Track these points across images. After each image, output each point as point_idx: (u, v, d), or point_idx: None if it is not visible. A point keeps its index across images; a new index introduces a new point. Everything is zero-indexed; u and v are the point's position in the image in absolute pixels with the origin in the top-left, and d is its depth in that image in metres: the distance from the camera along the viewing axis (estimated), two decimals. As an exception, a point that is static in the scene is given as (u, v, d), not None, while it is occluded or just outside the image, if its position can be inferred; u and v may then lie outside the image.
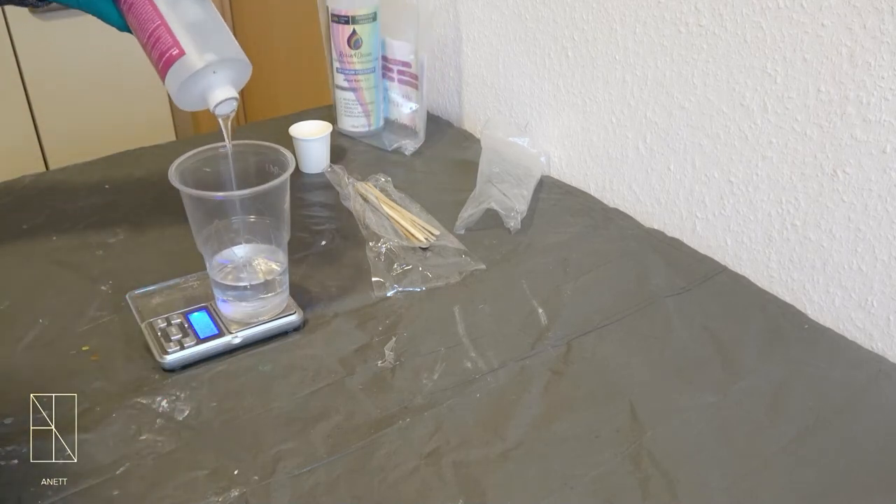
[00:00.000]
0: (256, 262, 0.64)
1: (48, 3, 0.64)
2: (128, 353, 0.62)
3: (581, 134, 0.89)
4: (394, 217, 0.81)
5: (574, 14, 0.84)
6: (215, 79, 0.59)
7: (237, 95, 0.60)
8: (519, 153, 0.92)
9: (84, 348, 0.62)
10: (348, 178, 0.87)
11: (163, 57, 0.59)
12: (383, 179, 0.88)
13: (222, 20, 0.62)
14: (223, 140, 0.61)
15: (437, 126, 1.07)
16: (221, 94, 0.59)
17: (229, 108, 0.60)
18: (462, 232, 0.80)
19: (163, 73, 0.59)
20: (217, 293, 0.63)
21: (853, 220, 0.65)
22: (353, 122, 1.01)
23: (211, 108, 0.60)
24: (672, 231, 0.81)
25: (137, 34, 0.61)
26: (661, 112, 0.78)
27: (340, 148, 0.99)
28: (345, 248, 0.77)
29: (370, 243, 0.76)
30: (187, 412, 0.57)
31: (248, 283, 0.62)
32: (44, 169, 1.55)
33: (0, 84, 1.61)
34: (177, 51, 0.58)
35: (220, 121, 0.61)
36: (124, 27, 0.63)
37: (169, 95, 0.61)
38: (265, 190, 0.58)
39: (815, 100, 0.64)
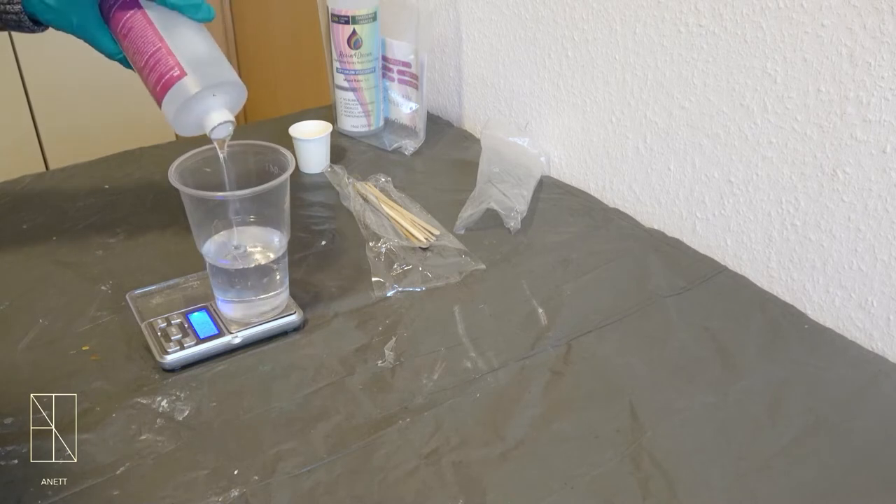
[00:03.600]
0: (255, 256, 0.64)
1: (44, 28, 0.64)
2: (128, 353, 0.62)
3: (581, 134, 0.89)
4: (394, 217, 0.81)
5: (574, 14, 0.84)
6: (214, 101, 0.59)
7: (234, 119, 0.60)
8: (519, 153, 0.92)
9: (84, 348, 0.62)
10: (348, 178, 0.87)
11: (162, 78, 0.58)
12: (383, 179, 0.88)
13: (218, 48, 0.62)
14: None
15: (437, 126, 1.07)
16: (219, 117, 0.59)
17: (226, 132, 0.60)
18: (462, 232, 0.80)
19: (161, 95, 0.59)
20: (217, 293, 0.64)
21: (853, 220, 0.65)
22: (353, 122, 1.01)
23: (208, 130, 0.59)
24: (672, 231, 0.81)
25: (135, 58, 0.61)
26: (661, 112, 0.78)
27: (340, 148, 0.99)
28: (345, 248, 0.77)
29: (370, 243, 0.76)
30: (187, 412, 0.57)
31: (245, 266, 0.62)
32: (44, 169, 1.55)
33: (0, 84, 1.61)
34: (178, 72, 0.58)
35: (216, 144, 0.60)
36: (115, 53, 0.63)
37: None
38: (265, 190, 0.58)
39: (815, 100, 0.65)
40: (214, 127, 0.59)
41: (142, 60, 0.60)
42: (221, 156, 0.60)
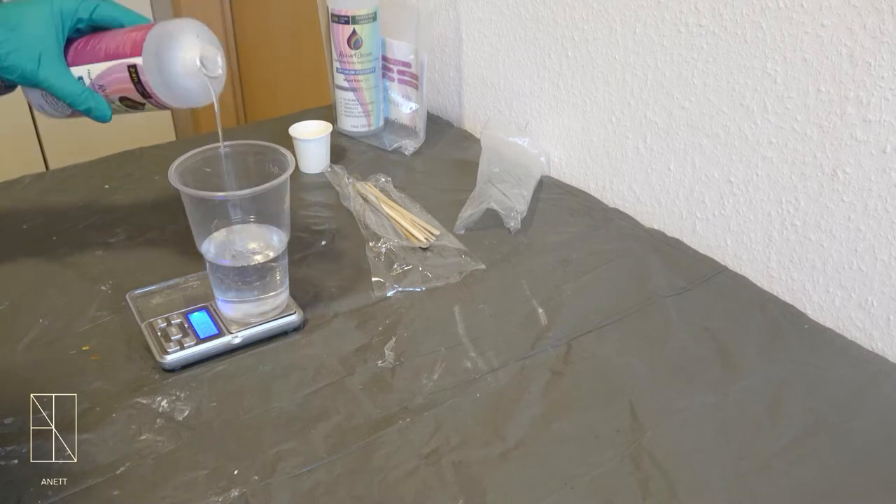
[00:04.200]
0: (255, 255, 0.64)
1: (12, 89, 0.62)
2: (128, 353, 0.62)
3: (581, 134, 0.89)
4: (394, 217, 0.81)
5: (574, 14, 0.84)
6: (198, 41, 0.59)
7: (221, 49, 0.60)
8: (519, 153, 0.92)
9: (84, 348, 0.62)
10: (348, 178, 0.87)
11: (138, 32, 0.59)
12: (383, 179, 0.88)
13: None
14: (223, 138, 0.61)
15: (437, 126, 1.07)
16: (210, 51, 0.58)
17: (219, 69, 0.59)
18: (462, 232, 0.80)
19: (139, 45, 0.58)
20: (217, 293, 0.64)
21: (853, 220, 0.65)
22: (353, 122, 1.01)
23: (198, 62, 0.58)
24: (672, 231, 0.81)
25: (107, 50, 0.60)
26: (661, 112, 0.78)
27: (340, 148, 0.99)
28: (345, 248, 0.77)
29: (370, 243, 0.76)
30: (187, 412, 0.57)
31: (245, 263, 0.62)
32: (44, 169, 1.56)
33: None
34: (151, 21, 0.59)
35: (209, 84, 0.59)
36: (79, 93, 0.60)
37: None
38: (265, 190, 0.58)
39: (815, 100, 0.65)
40: (205, 58, 0.58)
41: (114, 42, 0.60)
42: (222, 152, 0.60)
